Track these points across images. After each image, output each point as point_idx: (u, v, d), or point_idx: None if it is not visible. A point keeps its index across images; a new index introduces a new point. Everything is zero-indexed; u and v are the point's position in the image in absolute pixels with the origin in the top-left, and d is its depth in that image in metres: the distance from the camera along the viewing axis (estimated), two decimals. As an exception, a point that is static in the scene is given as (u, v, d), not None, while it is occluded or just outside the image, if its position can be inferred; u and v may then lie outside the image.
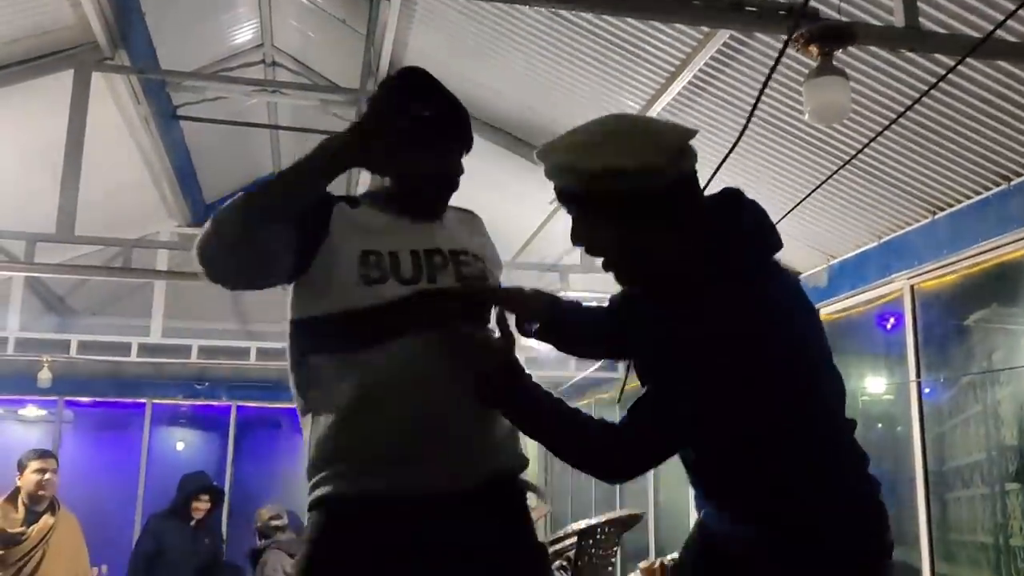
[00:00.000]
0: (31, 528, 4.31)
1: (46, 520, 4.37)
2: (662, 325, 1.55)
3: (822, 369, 1.61)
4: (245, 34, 7.56)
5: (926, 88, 3.28)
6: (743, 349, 1.46)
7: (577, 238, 1.63)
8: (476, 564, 1.64)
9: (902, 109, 3.46)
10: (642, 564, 4.25)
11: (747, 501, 1.62)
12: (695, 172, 1.59)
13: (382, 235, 1.71)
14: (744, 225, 1.59)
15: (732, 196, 1.64)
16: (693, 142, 1.56)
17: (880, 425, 5.14)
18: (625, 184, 1.50)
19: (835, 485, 1.60)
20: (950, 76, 3.43)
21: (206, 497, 5.73)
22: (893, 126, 3.85)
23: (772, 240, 1.61)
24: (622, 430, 1.55)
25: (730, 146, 2.20)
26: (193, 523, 5.67)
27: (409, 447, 1.62)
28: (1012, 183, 3.87)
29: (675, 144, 1.55)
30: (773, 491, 1.58)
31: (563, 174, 1.58)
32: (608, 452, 1.58)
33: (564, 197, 1.61)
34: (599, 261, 1.63)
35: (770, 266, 1.61)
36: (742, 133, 2.21)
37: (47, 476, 4.45)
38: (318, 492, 1.66)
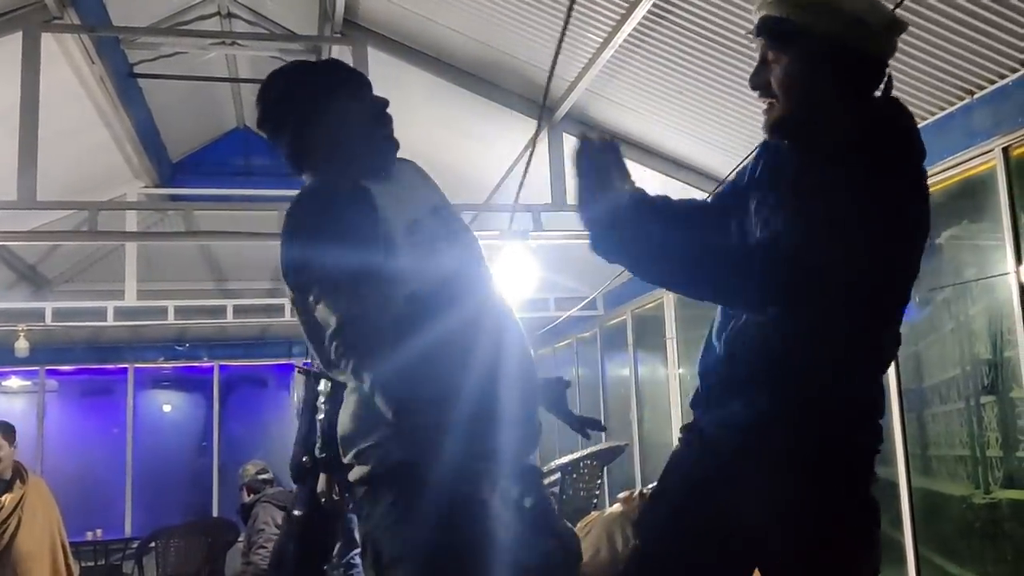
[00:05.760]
0: (4, 497, 4.34)
1: (18, 489, 4.40)
2: (813, 178, 1.60)
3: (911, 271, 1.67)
4: (198, -14, 7.36)
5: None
6: (880, 222, 1.53)
7: (759, 77, 1.73)
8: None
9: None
10: (621, 494, 4.31)
11: (790, 376, 1.64)
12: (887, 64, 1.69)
13: (405, 203, 1.78)
14: (906, 120, 1.68)
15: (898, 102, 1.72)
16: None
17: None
18: (841, 29, 1.60)
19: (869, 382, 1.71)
20: (909, -10, 3.40)
21: None
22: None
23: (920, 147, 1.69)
24: (761, 241, 1.63)
25: (692, 74, 2.20)
26: None
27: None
28: (975, 96, 3.85)
29: (890, 16, 1.69)
30: (834, 369, 1.62)
31: (782, 4, 1.66)
32: (754, 254, 1.61)
33: (768, 28, 1.69)
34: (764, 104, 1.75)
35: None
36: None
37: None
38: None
